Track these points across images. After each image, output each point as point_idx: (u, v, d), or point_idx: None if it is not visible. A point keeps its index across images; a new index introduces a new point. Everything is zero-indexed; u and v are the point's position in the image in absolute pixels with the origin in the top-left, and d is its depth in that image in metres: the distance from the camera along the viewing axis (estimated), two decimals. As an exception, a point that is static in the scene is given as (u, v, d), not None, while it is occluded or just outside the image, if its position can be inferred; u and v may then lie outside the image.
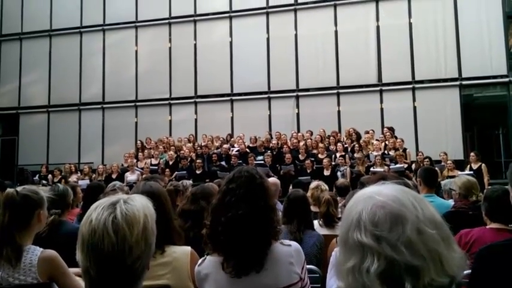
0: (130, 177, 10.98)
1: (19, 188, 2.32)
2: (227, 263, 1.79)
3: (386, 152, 10.59)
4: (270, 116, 14.46)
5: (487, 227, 2.94)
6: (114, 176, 11.11)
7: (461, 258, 0.97)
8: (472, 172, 8.92)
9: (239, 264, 1.77)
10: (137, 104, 15.67)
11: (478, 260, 1.62)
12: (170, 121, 15.33)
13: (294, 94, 14.34)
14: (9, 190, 2.28)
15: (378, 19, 13.88)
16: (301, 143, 11.50)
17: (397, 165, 9.70)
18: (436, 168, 8.07)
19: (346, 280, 0.98)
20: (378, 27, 13.84)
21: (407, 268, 0.91)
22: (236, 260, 1.78)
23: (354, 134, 11.51)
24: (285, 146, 11.35)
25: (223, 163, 11.20)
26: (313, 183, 5.13)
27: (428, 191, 4.08)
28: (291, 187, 6.09)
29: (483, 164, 9.76)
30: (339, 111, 13.83)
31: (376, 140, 11.26)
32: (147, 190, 2.13)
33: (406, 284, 0.90)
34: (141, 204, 1.19)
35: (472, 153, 10.17)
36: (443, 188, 5.36)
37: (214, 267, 1.83)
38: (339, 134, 12.14)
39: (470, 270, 1.65)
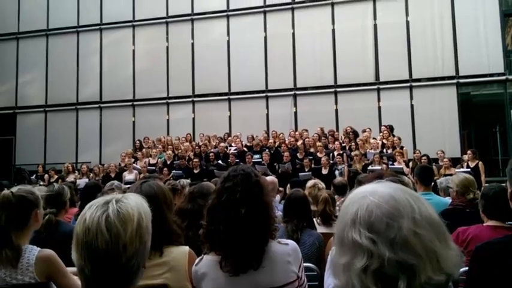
0: (128, 176, 10.95)
1: (14, 189, 2.30)
2: (225, 262, 1.79)
3: (384, 150, 10.59)
4: (267, 114, 14.45)
5: (484, 224, 2.95)
6: (112, 176, 11.07)
7: (457, 255, 0.97)
8: (469, 170, 8.92)
9: (237, 262, 1.77)
10: (135, 103, 15.64)
11: (475, 257, 1.62)
12: (168, 120, 15.31)
13: (292, 93, 14.33)
14: (4, 192, 2.27)
15: (375, 18, 13.88)
16: (299, 142, 11.49)
17: (396, 166, 9.66)
18: (434, 166, 8.09)
19: (341, 278, 0.98)
20: (375, 26, 13.83)
21: (402, 267, 0.90)
22: (234, 258, 1.78)
23: (351, 132, 11.51)
24: (283, 145, 11.34)
25: (220, 162, 11.18)
26: (310, 182, 5.13)
27: (425, 189, 4.09)
28: (288, 186, 6.09)
29: (480, 162, 9.76)
30: (336, 110, 13.82)
31: (373, 138, 11.26)
32: (147, 190, 2.10)
33: (400, 282, 0.90)
34: (135, 203, 1.18)
35: (468, 151, 10.16)
36: (440, 186, 5.36)
37: (211, 266, 1.83)
38: (336, 133, 12.14)
39: (467, 268, 1.66)
